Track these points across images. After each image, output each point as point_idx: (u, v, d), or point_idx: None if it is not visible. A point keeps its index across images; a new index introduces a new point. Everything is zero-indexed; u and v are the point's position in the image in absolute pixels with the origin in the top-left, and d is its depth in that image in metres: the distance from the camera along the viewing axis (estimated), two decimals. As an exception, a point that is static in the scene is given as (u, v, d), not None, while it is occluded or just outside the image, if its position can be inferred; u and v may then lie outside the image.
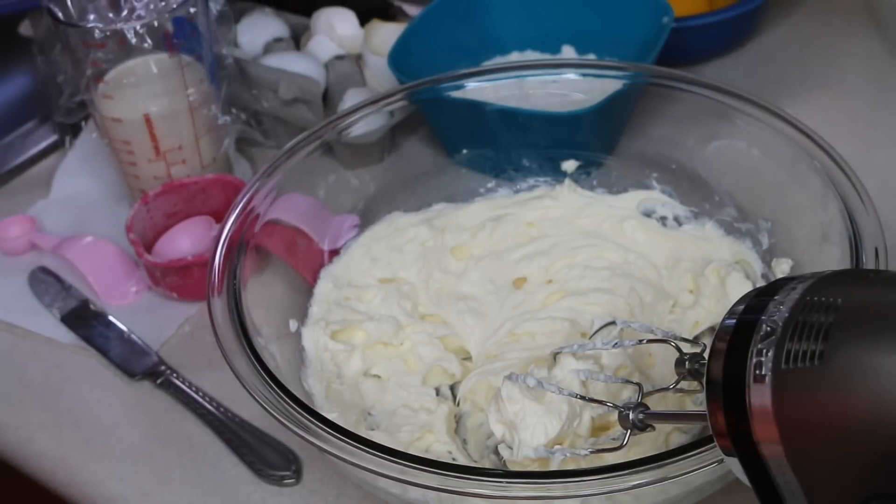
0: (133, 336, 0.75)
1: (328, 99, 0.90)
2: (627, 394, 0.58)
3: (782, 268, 0.68)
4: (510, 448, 0.56)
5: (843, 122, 0.86)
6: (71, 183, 0.89)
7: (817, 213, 0.64)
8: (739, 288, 0.67)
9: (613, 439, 0.52)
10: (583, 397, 0.55)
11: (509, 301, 0.70)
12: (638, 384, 0.53)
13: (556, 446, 0.55)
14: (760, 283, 0.69)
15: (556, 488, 0.49)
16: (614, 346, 0.57)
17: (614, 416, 0.52)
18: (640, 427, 0.51)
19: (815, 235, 0.64)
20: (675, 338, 0.55)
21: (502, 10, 0.91)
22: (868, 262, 0.57)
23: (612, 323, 0.60)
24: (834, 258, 0.60)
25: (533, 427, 0.54)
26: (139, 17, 0.75)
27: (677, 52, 0.87)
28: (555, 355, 0.59)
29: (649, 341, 0.56)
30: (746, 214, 0.72)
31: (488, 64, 0.90)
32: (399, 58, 0.84)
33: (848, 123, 0.86)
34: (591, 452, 0.53)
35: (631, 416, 0.51)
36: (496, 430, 0.56)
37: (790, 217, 0.69)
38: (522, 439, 0.54)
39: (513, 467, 0.56)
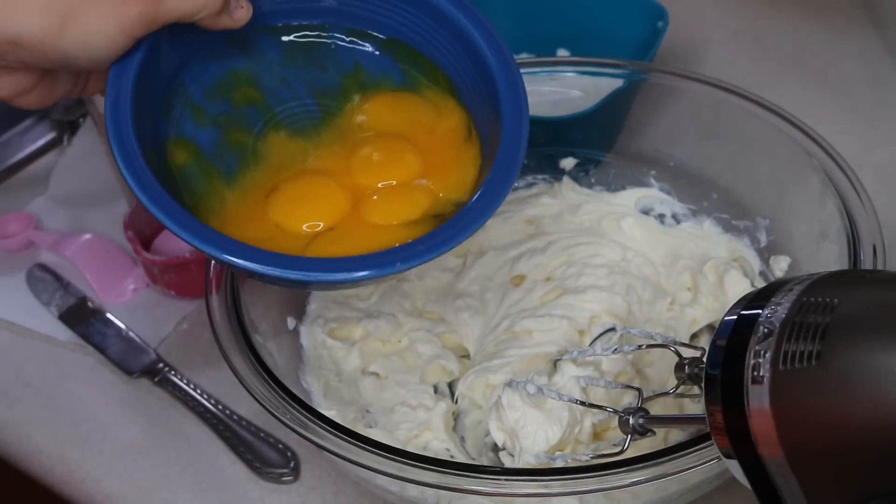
0: (131, 334, 0.75)
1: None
2: (628, 399, 0.58)
3: (780, 265, 0.68)
4: (511, 455, 0.56)
5: (842, 119, 0.86)
6: (69, 180, 0.89)
7: (815, 211, 0.64)
8: (737, 285, 0.67)
9: (614, 444, 0.51)
10: (583, 403, 0.55)
11: (507, 299, 0.70)
12: (638, 389, 0.53)
13: (558, 453, 0.55)
14: (758, 281, 0.69)
15: (554, 485, 0.49)
16: (614, 351, 0.57)
17: (615, 421, 0.52)
18: (641, 432, 0.51)
19: (813, 233, 0.64)
20: (675, 343, 0.55)
21: (497, 14, 0.90)
22: (866, 260, 0.57)
23: (612, 329, 0.60)
24: (832, 256, 0.60)
25: (534, 434, 0.54)
26: (137, 15, 0.75)
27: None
28: (555, 362, 0.59)
29: (649, 346, 0.56)
30: (744, 212, 0.71)
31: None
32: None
33: (846, 121, 0.86)
34: (592, 458, 0.53)
35: (631, 420, 0.51)
36: (497, 437, 0.56)
37: (788, 214, 0.69)
38: (524, 446, 0.54)
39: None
